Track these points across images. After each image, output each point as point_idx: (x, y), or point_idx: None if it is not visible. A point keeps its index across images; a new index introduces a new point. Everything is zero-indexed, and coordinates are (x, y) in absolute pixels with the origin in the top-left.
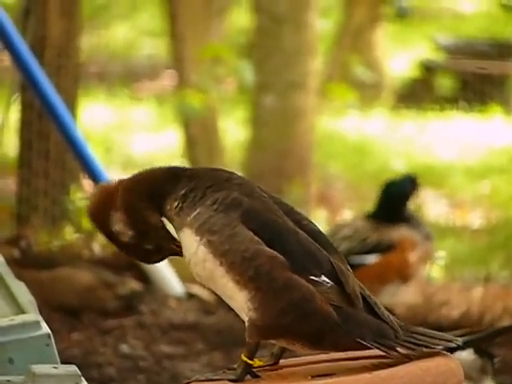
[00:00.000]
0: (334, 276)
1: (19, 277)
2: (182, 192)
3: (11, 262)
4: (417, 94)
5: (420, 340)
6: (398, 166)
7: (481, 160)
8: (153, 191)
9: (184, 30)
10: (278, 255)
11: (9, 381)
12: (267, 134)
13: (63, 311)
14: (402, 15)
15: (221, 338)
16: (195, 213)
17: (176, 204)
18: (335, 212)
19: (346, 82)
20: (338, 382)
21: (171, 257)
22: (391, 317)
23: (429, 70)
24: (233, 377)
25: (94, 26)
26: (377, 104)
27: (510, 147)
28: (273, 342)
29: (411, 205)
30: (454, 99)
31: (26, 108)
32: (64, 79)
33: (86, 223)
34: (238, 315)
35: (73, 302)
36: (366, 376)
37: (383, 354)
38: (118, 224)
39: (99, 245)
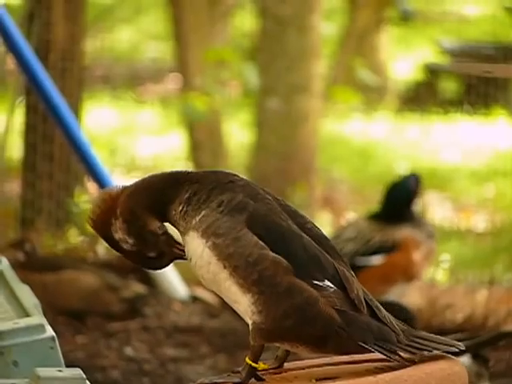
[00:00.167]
0: (338, 281)
1: (24, 280)
2: (186, 195)
3: (16, 265)
4: (421, 97)
5: (422, 344)
6: (402, 169)
7: (485, 163)
8: (154, 198)
9: (188, 33)
10: (282, 260)
11: None
12: (271, 137)
13: (68, 314)
14: (406, 18)
15: (225, 341)
16: (200, 215)
17: (181, 208)
18: (339, 215)
19: (350, 86)
20: None
21: (175, 261)
22: (393, 320)
23: (433, 73)
24: (237, 380)
25: (99, 30)
26: (381, 107)
27: None
28: (277, 345)
29: (416, 205)
30: (459, 102)
31: (30, 111)
32: (68, 82)
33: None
34: (241, 318)
35: (77, 305)
36: (371, 379)
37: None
38: (119, 232)
39: (104, 248)
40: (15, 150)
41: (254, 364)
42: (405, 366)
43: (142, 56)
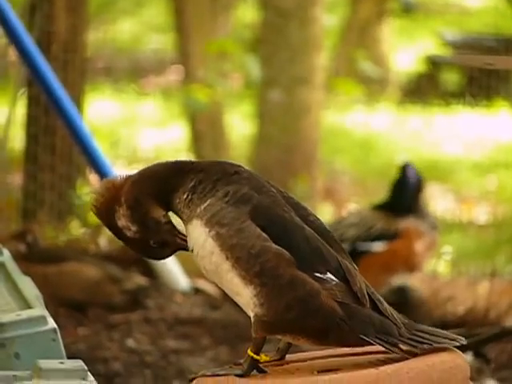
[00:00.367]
0: (341, 274)
1: (25, 272)
2: (191, 184)
3: (17, 257)
4: (423, 89)
5: (423, 338)
6: (405, 160)
7: (487, 155)
8: (158, 186)
9: (190, 25)
10: (284, 252)
11: (15, 375)
12: (273, 129)
13: (69, 306)
14: (408, 10)
15: (227, 333)
16: (206, 204)
17: (185, 196)
18: (341, 206)
19: (352, 77)
20: (343, 377)
21: (177, 252)
22: (394, 313)
23: (435, 65)
24: (239, 372)
25: (101, 21)
26: (383, 99)
27: None
28: (279, 337)
29: (422, 196)
30: (460, 94)
31: (32, 103)
32: (70, 74)
33: (93, 218)
34: (243, 311)
35: (79, 296)
36: (372, 371)
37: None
38: (122, 219)
39: (106, 239)
40: (17, 141)
41: (255, 356)
42: (406, 359)
43: (144, 48)
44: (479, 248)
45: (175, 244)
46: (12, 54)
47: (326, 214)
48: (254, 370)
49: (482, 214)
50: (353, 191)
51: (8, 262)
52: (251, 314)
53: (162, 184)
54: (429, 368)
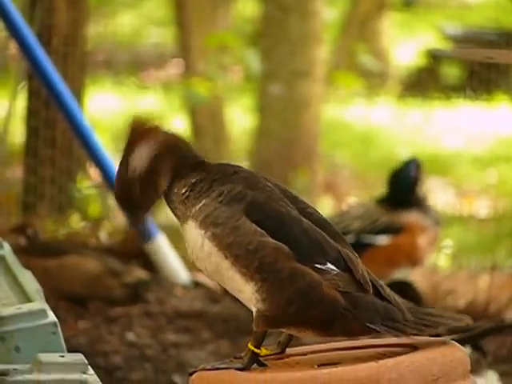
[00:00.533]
0: (342, 263)
1: (26, 265)
2: (193, 180)
3: (18, 250)
4: (423, 82)
5: (429, 321)
6: (404, 155)
7: (487, 149)
8: (178, 164)
9: (190, 18)
10: (282, 246)
11: (15, 369)
12: (273, 123)
13: (69, 299)
14: (408, 4)
15: (227, 327)
16: (200, 204)
17: (184, 190)
18: (341, 200)
19: (352, 71)
20: (344, 370)
21: (177, 246)
22: (397, 298)
23: (435, 58)
24: (240, 365)
25: (101, 15)
26: (383, 93)
27: None
28: (282, 330)
29: (420, 190)
30: (461, 88)
31: (32, 96)
32: (71, 67)
33: (93, 211)
34: (244, 304)
35: (79, 290)
36: (373, 365)
37: (390, 342)
38: (137, 159)
39: (106, 233)
40: (17, 135)
41: (256, 350)
42: (407, 352)
43: (144, 41)
44: (480, 242)
45: (146, 211)
46: (12, 48)
47: (326, 207)
48: (255, 364)
49: (482, 207)
50: (353, 185)
51: (8, 256)
52: (254, 310)
53: (181, 166)
54: (429, 361)
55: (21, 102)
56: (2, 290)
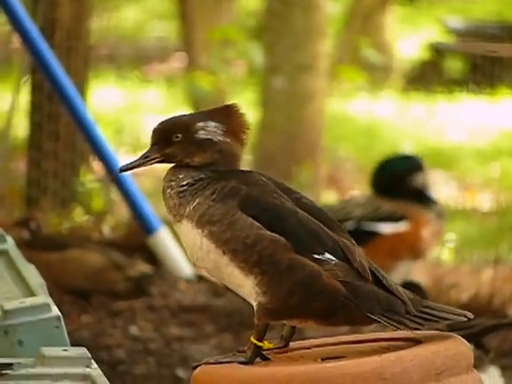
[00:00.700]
0: (339, 252)
1: (29, 259)
2: (197, 177)
3: (21, 244)
4: (426, 76)
5: (430, 315)
6: (408, 148)
7: (490, 142)
8: (214, 161)
9: (194, 12)
10: (280, 238)
11: (19, 363)
12: (277, 116)
13: (73, 293)
14: None
15: (230, 320)
16: (195, 203)
17: (185, 182)
18: (344, 193)
19: (356, 65)
20: (347, 364)
21: (180, 239)
22: (400, 289)
23: (438, 52)
24: (243, 359)
25: (104, 9)
26: (386, 86)
27: None
28: (285, 322)
29: (418, 183)
30: (464, 82)
31: (35, 90)
32: (74, 61)
33: (96, 205)
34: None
35: (83, 284)
36: (376, 358)
37: (393, 335)
38: (205, 122)
39: (109, 227)
40: (21, 129)
41: (258, 343)
42: (410, 346)
43: (147, 35)
44: (483, 235)
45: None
46: (16, 42)
47: (329, 200)
48: (258, 358)
49: (485, 201)
50: (356, 178)
51: (11, 250)
52: (254, 304)
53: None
54: (432, 355)
55: (24, 96)
56: (5, 284)
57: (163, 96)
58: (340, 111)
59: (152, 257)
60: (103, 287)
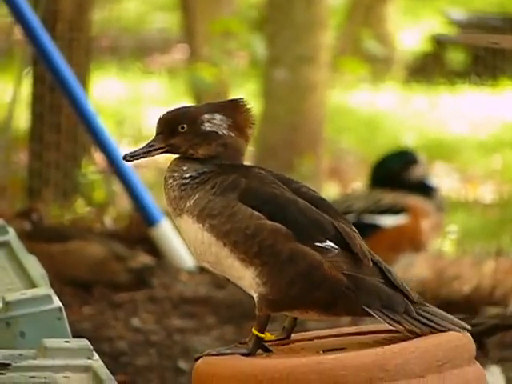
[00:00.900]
0: (340, 239)
1: (30, 250)
2: (200, 170)
3: (23, 236)
4: (428, 68)
5: (428, 320)
6: (409, 140)
7: (492, 134)
8: (218, 154)
9: (196, 3)
10: (281, 227)
11: (21, 354)
12: (279, 108)
13: (74, 285)
14: None
15: (232, 312)
16: (195, 198)
17: (188, 175)
18: (346, 186)
19: (358, 56)
20: (349, 356)
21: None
22: (405, 285)
23: (440, 44)
24: (244, 351)
25: (106, 0)
26: (388, 78)
27: None
28: (286, 313)
29: (417, 175)
30: (466, 74)
31: (37, 82)
32: (76, 53)
33: (98, 196)
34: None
35: (84, 275)
36: (378, 350)
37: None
38: (210, 123)
39: (111, 218)
40: (22, 120)
41: (260, 334)
42: (412, 338)
43: (149, 26)
44: (484, 227)
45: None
46: (17, 33)
47: (331, 192)
48: (260, 349)
49: (487, 193)
50: (358, 170)
51: (13, 241)
52: (255, 295)
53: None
54: (434, 347)
55: (26, 88)
56: (6, 276)
57: (165, 87)
58: (342, 103)
59: (154, 248)
60: (105, 279)
